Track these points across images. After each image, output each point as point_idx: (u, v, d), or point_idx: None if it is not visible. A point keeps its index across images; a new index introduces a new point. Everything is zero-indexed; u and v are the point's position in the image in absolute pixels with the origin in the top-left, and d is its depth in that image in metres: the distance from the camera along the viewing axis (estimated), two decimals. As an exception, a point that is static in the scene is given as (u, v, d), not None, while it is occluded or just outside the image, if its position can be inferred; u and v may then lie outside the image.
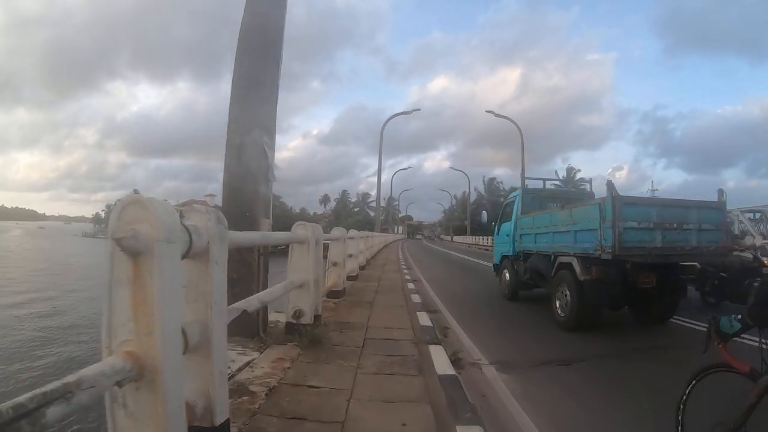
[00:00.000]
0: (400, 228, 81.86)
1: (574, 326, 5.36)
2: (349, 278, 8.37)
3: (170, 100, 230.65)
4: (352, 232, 9.25)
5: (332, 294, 6.44)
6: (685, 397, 1.99)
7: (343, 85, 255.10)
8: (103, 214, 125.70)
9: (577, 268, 5.39)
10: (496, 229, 9.45)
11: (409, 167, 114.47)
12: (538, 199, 8.13)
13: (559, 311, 5.74)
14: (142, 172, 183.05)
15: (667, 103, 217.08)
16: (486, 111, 25.72)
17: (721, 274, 6.62)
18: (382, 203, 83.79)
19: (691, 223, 5.12)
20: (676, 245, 5.04)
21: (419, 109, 28.60)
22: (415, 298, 7.32)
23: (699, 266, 6.17)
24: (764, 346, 1.65)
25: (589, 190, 8.95)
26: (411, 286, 8.95)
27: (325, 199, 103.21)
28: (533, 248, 7.07)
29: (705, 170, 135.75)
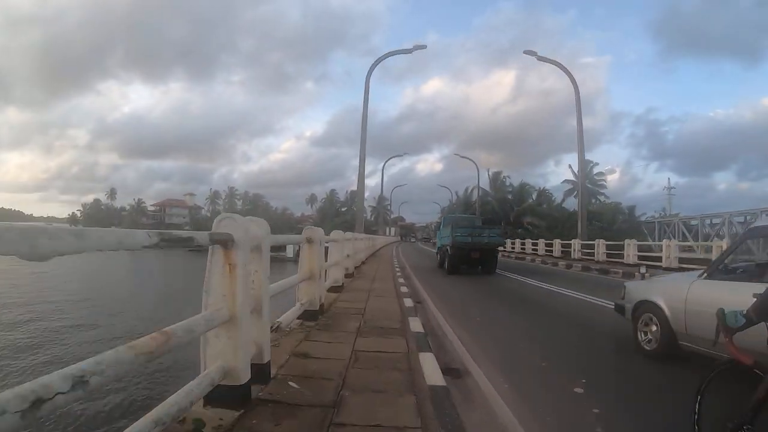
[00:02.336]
0: (392, 230, 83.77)
1: (450, 272, 15.80)
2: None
3: (163, 101, 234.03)
4: (321, 233, 6.50)
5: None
6: (699, 396, 2.11)
7: (337, 87, 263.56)
8: (79, 214, 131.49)
9: (449, 249, 15.95)
10: (435, 234, 20.31)
11: (405, 153, 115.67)
12: (453, 219, 18.80)
13: (446, 267, 16.37)
14: (133, 174, 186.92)
15: (660, 106, 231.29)
16: (524, 52, 25.56)
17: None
18: (372, 203, 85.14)
19: (485, 233, 15.77)
20: (477, 241, 15.59)
21: (425, 46, 26.13)
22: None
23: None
24: None
25: (477, 215, 19.92)
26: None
27: (312, 199, 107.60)
28: (444, 243, 17.68)
29: (697, 173, 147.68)
